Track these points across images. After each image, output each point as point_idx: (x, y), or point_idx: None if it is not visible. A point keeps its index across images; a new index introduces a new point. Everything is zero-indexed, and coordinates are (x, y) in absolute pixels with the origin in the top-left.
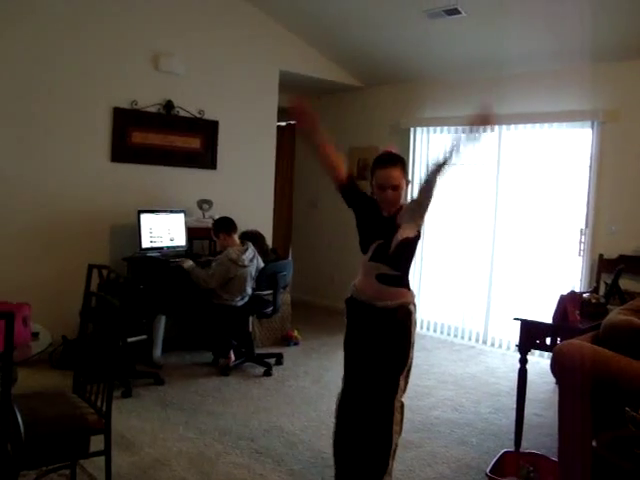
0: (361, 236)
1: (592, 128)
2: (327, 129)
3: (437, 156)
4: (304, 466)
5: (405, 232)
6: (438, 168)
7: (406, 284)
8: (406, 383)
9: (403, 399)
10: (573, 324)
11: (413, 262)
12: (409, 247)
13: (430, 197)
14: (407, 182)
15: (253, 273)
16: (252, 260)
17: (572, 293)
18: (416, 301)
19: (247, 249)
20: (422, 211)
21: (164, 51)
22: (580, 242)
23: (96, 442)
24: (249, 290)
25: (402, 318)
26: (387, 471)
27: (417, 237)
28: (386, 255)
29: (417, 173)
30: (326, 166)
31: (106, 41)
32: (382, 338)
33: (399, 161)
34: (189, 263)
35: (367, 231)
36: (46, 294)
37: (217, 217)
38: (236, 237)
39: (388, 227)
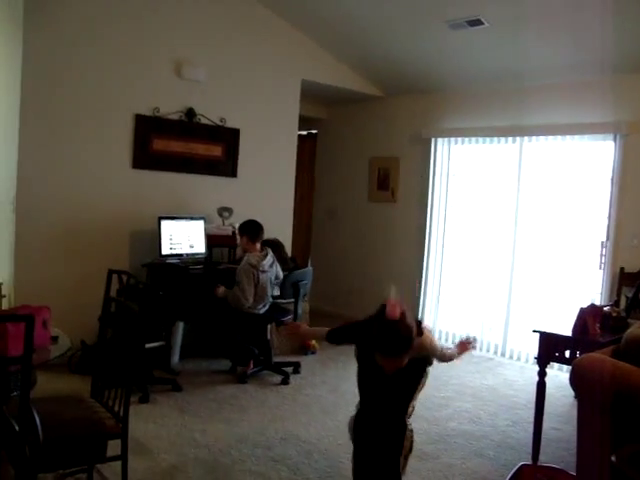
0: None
1: (614, 140)
2: (347, 139)
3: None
4: (320, 475)
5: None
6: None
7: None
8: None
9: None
10: (593, 337)
11: (433, 275)
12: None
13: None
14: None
15: (272, 279)
16: (272, 266)
17: (592, 306)
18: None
19: (266, 255)
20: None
21: (186, 59)
22: (601, 255)
23: (113, 447)
24: (270, 297)
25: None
26: None
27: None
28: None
29: (437, 185)
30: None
31: (129, 48)
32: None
33: (406, 348)
34: (221, 289)
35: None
36: (66, 299)
37: (247, 220)
38: (258, 246)
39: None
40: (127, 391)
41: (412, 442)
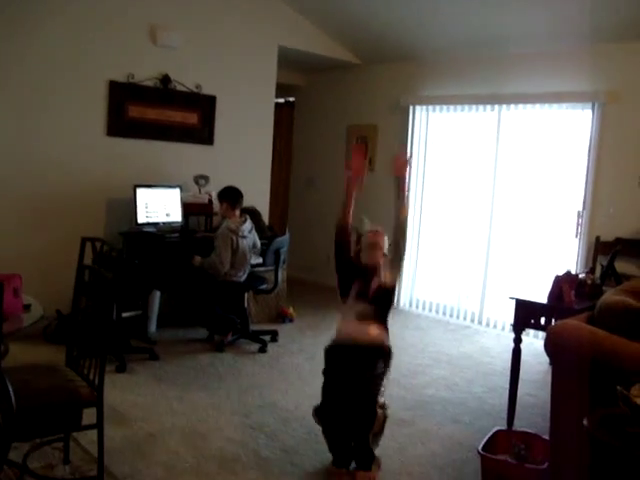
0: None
1: (592, 109)
2: (325, 106)
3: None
4: (297, 442)
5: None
6: (402, 232)
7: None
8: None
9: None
10: (568, 304)
11: (409, 245)
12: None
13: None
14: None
15: (251, 244)
16: (250, 232)
17: (568, 273)
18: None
19: (245, 221)
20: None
21: (161, 24)
22: (577, 224)
23: (89, 416)
24: (249, 262)
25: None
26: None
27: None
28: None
29: (415, 153)
30: (347, 206)
31: (103, 13)
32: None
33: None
34: (197, 258)
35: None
36: (40, 268)
37: (227, 186)
38: (238, 212)
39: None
40: (102, 359)
41: (384, 419)
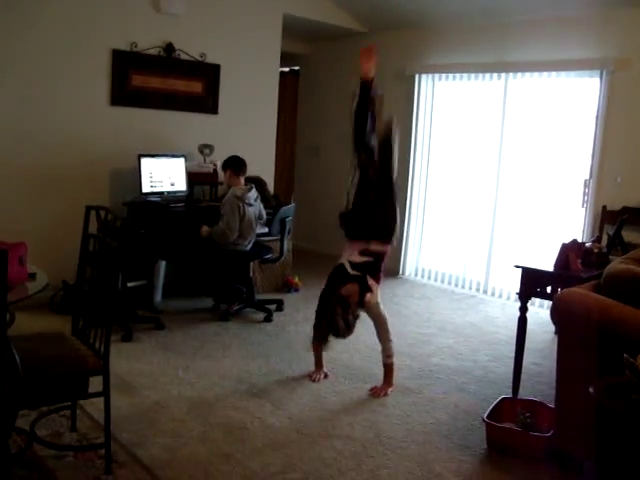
0: None
1: (600, 77)
2: (331, 75)
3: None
4: (302, 409)
5: None
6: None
7: None
8: None
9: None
10: (575, 273)
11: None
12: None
13: None
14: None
15: (257, 213)
16: (256, 200)
17: (574, 242)
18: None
19: (251, 189)
20: None
21: None
22: (584, 193)
23: (96, 385)
24: (255, 231)
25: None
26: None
27: None
28: None
29: (420, 122)
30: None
31: None
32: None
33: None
34: (205, 228)
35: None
36: (46, 238)
37: (230, 155)
38: (242, 180)
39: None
40: (108, 327)
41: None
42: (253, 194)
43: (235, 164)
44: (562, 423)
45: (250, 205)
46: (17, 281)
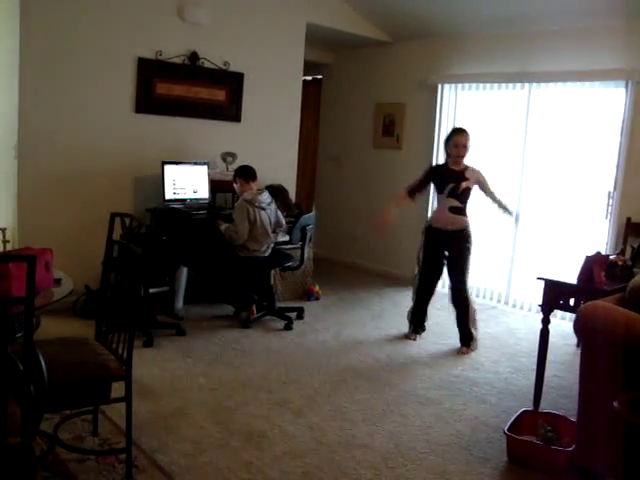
0: (437, 183)
1: (626, 88)
2: (353, 84)
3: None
4: (323, 419)
5: (469, 183)
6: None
7: (466, 215)
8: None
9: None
10: (599, 285)
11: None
12: (469, 191)
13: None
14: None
15: (272, 219)
16: (270, 204)
17: (598, 254)
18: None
19: (263, 192)
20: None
21: (190, 1)
22: (608, 205)
23: (117, 390)
24: (272, 237)
25: (465, 236)
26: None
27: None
28: (456, 193)
29: (443, 132)
30: (402, 205)
31: None
32: (453, 250)
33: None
34: (224, 225)
35: (442, 179)
36: (70, 244)
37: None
38: (254, 185)
39: (458, 177)
40: (131, 333)
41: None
42: (265, 198)
43: (243, 171)
44: (584, 438)
45: (262, 209)
46: (43, 286)
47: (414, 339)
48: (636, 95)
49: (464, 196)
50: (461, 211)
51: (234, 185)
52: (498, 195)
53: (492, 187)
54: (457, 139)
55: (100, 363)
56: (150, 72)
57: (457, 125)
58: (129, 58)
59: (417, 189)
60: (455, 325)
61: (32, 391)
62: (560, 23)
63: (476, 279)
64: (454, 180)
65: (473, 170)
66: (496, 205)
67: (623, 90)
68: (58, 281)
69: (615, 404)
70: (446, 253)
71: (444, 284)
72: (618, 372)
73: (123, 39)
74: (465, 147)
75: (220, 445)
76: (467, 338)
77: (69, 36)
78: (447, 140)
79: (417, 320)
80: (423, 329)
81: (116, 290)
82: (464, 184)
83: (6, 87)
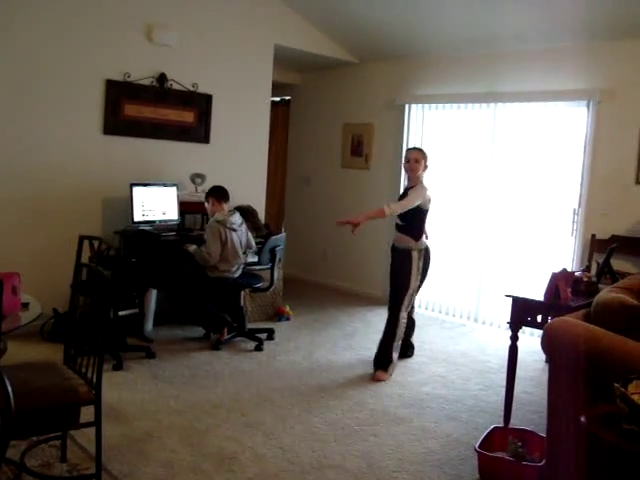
0: None
1: (588, 107)
2: (321, 105)
3: None
4: (294, 440)
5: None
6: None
7: (411, 233)
8: (409, 303)
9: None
10: (565, 302)
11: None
12: (409, 209)
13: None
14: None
15: (243, 240)
16: (241, 226)
17: (564, 271)
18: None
19: (234, 214)
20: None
21: (157, 23)
22: (573, 222)
23: (87, 413)
24: (242, 258)
25: (404, 255)
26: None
27: (417, 208)
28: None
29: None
30: (375, 219)
31: (98, 12)
32: (393, 266)
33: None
34: (193, 247)
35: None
36: (37, 267)
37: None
38: (225, 207)
39: (405, 193)
40: (100, 357)
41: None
42: (237, 219)
43: (216, 192)
44: (553, 452)
45: (234, 230)
46: (10, 310)
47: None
48: (597, 114)
49: (404, 214)
50: (403, 229)
51: (205, 205)
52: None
53: (402, 201)
54: (408, 154)
55: (69, 388)
56: (118, 94)
57: (423, 144)
58: (97, 80)
59: None
60: (428, 342)
61: None
62: (524, 44)
63: (445, 297)
64: (402, 197)
65: (416, 189)
66: None
67: (585, 109)
68: (26, 305)
69: (582, 419)
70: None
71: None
72: (581, 387)
73: (91, 61)
74: (417, 162)
75: (192, 468)
76: (383, 360)
77: (35, 59)
78: (404, 158)
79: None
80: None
81: (85, 313)
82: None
83: None
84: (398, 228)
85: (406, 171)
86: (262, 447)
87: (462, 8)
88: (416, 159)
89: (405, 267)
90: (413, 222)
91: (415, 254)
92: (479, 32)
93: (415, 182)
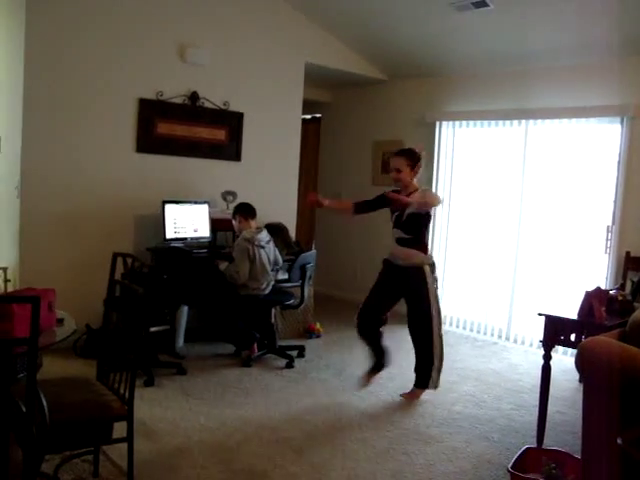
0: (390, 213)
1: (621, 123)
2: (352, 122)
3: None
4: (325, 458)
5: (411, 209)
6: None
7: (419, 246)
8: (439, 315)
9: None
10: (599, 320)
11: (437, 259)
12: (417, 219)
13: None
14: (413, 168)
15: (271, 257)
16: (268, 242)
17: (598, 289)
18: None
19: (261, 231)
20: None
21: (190, 42)
22: (607, 239)
23: (118, 429)
24: (271, 274)
25: (417, 274)
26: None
27: (426, 214)
28: (399, 222)
29: (442, 169)
30: (340, 212)
31: (132, 32)
32: (408, 292)
33: (404, 153)
34: (224, 264)
35: (390, 207)
36: (71, 283)
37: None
38: (253, 223)
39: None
40: (132, 374)
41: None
42: (264, 236)
43: (243, 209)
44: (589, 475)
45: (262, 247)
46: (46, 326)
47: (367, 381)
48: (631, 130)
49: (409, 225)
50: (409, 243)
51: (233, 222)
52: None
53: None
54: (390, 160)
55: (102, 403)
56: (151, 112)
57: (454, 161)
58: (130, 99)
59: (363, 207)
60: (459, 360)
61: (34, 433)
62: (555, 61)
63: (476, 315)
64: (398, 207)
65: (422, 191)
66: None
67: (619, 126)
68: (60, 321)
69: (619, 441)
70: (402, 292)
71: (444, 320)
72: (614, 408)
73: (124, 80)
74: (398, 171)
75: None
76: (421, 379)
77: (71, 78)
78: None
79: (370, 357)
80: (378, 368)
81: (117, 329)
82: (408, 210)
83: (10, 127)
84: (403, 242)
85: (393, 180)
86: (292, 465)
87: (491, 25)
88: (397, 168)
89: (426, 285)
90: (420, 233)
91: (427, 269)
92: (510, 48)
93: (407, 190)
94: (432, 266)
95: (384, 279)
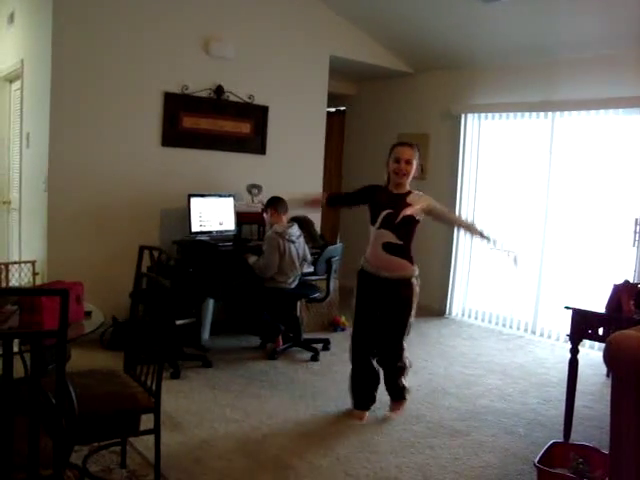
0: (371, 210)
1: None
2: (376, 115)
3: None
4: (350, 451)
5: (413, 210)
6: (481, 237)
7: (408, 255)
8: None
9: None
10: (628, 314)
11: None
12: (414, 224)
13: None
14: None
15: (300, 252)
16: (299, 238)
17: (627, 283)
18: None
19: (292, 226)
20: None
21: (215, 36)
22: (635, 232)
23: (145, 421)
24: (299, 269)
25: (406, 290)
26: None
27: (418, 221)
28: (392, 224)
29: (467, 162)
30: (311, 205)
31: (157, 26)
32: (387, 306)
33: (414, 145)
34: (253, 258)
35: (377, 204)
36: (97, 276)
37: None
38: (284, 218)
39: (397, 201)
40: (159, 366)
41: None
42: (295, 231)
43: (276, 203)
44: (618, 471)
45: (292, 242)
46: (74, 319)
47: (361, 419)
48: None
49: (404, 229)
50: (398, 251)
51: (264, 215)
52: (464, 217)
53: (449, 210)
54: (398, 150)
55: (129, 395)
56: (176, 106)
57: (480, 153)
58: (155, 93)
59: (341, 200)
60: (485, 354)
61: (63, 424)
62: (582, 51)
63: (502, 308)
64: (392, 206)
65: (420, 196)
66: (467, 231)
67: None
68: (88, 313)
69: None
70: (381, 306)
71: (463, 312)
72: None
73: (150, 74)
74: (409, 163)
75: (248, 477)
76: (398, 392)
77: (97, 73)
78: (389, 154)
79: (361, 391)
80: (372, 401)
81: (143, 322)
82: (408, 210)
83: (37, 123)
84: (391, 249)
85: (392, 173)
86: (318, 457)
87: (516, 16)
88: (407, 160)
89: (412, 305)
90: (411, 240)
91: (415, 281)
92: (534, 40)
93: (403, 188)
94: (417, 278)
95: (367, 299)
